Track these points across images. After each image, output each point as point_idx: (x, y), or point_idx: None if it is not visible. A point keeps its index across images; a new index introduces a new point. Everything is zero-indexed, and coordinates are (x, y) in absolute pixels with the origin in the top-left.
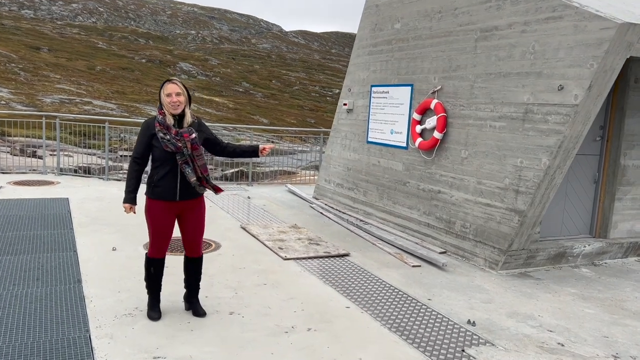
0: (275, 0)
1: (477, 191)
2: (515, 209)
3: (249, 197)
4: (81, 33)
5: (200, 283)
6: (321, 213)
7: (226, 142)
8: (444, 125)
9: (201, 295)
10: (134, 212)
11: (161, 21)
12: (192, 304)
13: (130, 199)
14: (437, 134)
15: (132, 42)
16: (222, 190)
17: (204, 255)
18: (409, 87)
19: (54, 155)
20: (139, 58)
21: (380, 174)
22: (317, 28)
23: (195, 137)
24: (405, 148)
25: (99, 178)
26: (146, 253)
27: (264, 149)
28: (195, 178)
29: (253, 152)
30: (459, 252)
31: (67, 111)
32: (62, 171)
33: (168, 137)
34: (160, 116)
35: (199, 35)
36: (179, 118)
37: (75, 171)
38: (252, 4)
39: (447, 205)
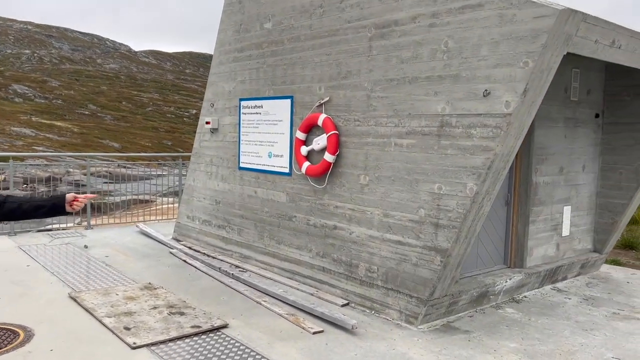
0: (122, 19)
1: (384, 225)
2: (435, 247)
3: (86, 247)
4: None
5: None
6: (185, 262)
7: (5, 194)
8: (336, 145)
9: None
10: None
11: None
12: None
13: None
14: (328, 157)
15: None
16: None
17: None
18: (288, 100)
19: None
20: None
21: (258, 207)
22: (169, 48)
23: None
24: (289, 174)
25: None
26: None
27: (74, 200)
28: None
29: (53, 207)
30: (366, 302)
31: None
32: None
33: None
34: None
35: (35, 55)
36: None
37: None
38: (96, 23)
39: (346, 244)
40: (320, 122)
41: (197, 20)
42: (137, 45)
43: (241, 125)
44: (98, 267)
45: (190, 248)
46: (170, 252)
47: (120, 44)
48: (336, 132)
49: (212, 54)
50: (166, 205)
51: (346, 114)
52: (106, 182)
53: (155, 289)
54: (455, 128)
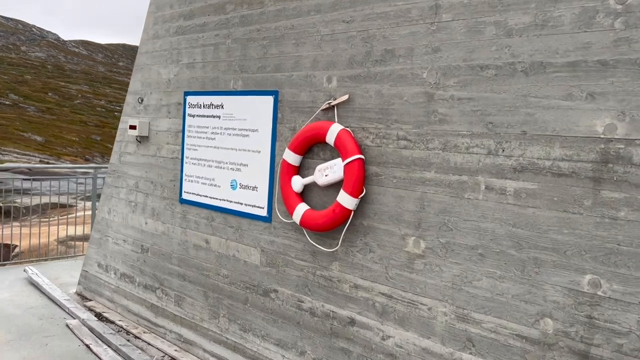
0: (50, 5)
1: (458, 337)
2: None
3: None
4: None
5: None
6: (88, 347)
7: None
8: (361, 180)
9: None
10: None
11: None
12: None
13: None
14: (346, 199)
15: None
16: None
17: None
18: (270, 97)
19: None
20: None
21: (211, 266)
22: (101, 39)
23: None
24: (267, 220)
25: None
26: None
27: None
28: None
29: None
30: None
31: None
32: None
33: None
34: None
35: None
36: None
37: None
38: (21, 9)
39: (373, 356)
40: (330, 139)
41: (133, 11)
42: (67, 34)
43: (186, 133)
44: None
45: (100, 316)
46: (67, 326)
47: (48, 32)
48: (361, 156)
49: None
50: (89, 212)
51: (381, 127)
52: (26, 179)
53: None
54: (638, 167)
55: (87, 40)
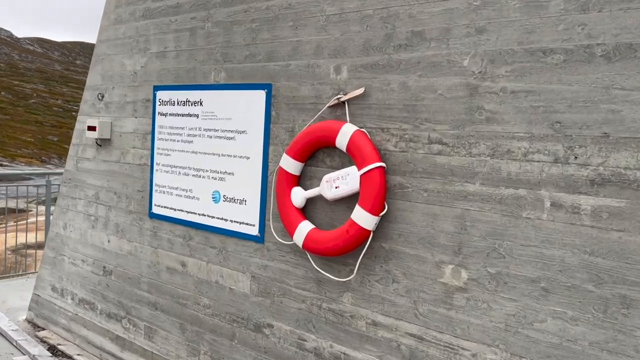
0: (2, 1)
1: None
2: None
3: None
4: None
5: None
6: None
7: None
8: (382, 193)
9: None
10: None
11: None
12: None
13: None
14: (362, 217)
15: None
16: None
17: None
18: (261, 92)
19: None
20: None
21: (189, 293)
22: (58, 37)
23: None
24: (259, 240)
25: None
26: None
27: None
28: None
29: None
30: None
31: None
32: None
33: None
34: None
35: None
36: None
37: None
38: None
39: None
40: (342, 142)
41: (91, 8)
42: (20, 32)
43: (156, 135)
44: None
45: (54, 349)
46: None
47: (0, 29)
48: (382, 164)
49: None
50: (43, 217)
51: (408, 127)
52: None
53: None
54: None
55: (42, 38)
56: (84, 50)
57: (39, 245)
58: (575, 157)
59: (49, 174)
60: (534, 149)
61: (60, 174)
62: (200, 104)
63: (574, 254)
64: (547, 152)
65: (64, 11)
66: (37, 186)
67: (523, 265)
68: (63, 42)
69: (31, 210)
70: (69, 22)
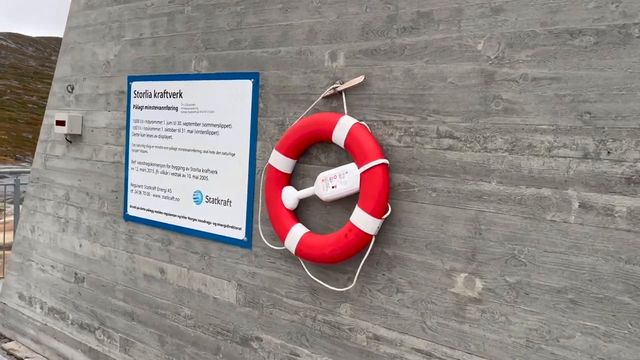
0: None
1: None
2: None
3: None
4: None
5: None
6: None
7: None
8: (385, 193)
9: None
10: None
11: None
12: None
13: None
14: (363, 219)
15: None
16: None
17: None
18: (247, 82)
19: None
20: None
21: (168, 302)
22: (32, 32)
23: None
24: (246, 245)
25: None
26: None
27: None
28: None
29: None
30: None
31: None
32: None
33: None
34: None
35: None
36: None
37: None
38: None
39: None
40: (339, 137)
41: (67, 3)
42: None
43: (132, 130)
44: None
45: None
46: None
47: None
48: (385, 161)
49: None
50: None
51: (413, 120)
52: None
53: None
54: None
55: (16, 33)
56: (59, 46)
57: (8, 247)
58: (608, 152)
59: (19, 172)
60: (559, 143)
61: (29, 172)
62: (180, 95)
63: (607, 261)
64: (575, 146)
65: (39, 5)
66: (6, 185)
67: (547, 274)
68: (38, 37)
69: (3, 210)
70: (44, 17)
